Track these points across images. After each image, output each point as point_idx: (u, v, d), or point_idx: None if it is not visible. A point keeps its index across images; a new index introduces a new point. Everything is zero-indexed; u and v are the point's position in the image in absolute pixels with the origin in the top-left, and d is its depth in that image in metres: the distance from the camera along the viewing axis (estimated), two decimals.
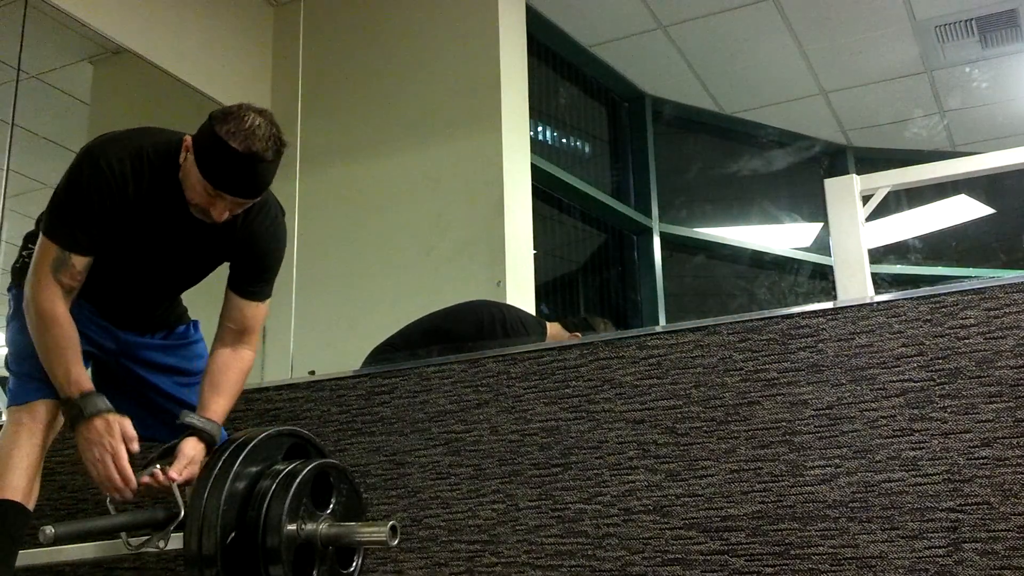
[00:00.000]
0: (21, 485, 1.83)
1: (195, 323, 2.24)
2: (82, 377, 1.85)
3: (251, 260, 2.02)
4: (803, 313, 2.06)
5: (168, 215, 1.90)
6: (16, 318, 1.99)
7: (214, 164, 1.78)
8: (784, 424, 2.00)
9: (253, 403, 2.56)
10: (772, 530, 1.96)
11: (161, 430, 2.11)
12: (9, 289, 2.04)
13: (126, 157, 1.86)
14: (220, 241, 1.96)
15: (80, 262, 1.87)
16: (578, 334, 2.89)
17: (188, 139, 1.84)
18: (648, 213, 5.30)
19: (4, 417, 1.96)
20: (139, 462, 1.87)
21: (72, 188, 1.85)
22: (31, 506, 1.86)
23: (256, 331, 2.07)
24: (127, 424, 1.85)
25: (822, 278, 5.61)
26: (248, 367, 2.06)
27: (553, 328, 2.99)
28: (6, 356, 2.01)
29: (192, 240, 1.96)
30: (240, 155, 1.76)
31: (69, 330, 1.86)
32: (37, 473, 1.88)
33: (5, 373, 2.06)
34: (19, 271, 2.03)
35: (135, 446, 1.84)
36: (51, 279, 1.85)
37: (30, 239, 2.05)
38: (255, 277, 2.04)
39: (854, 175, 3.33)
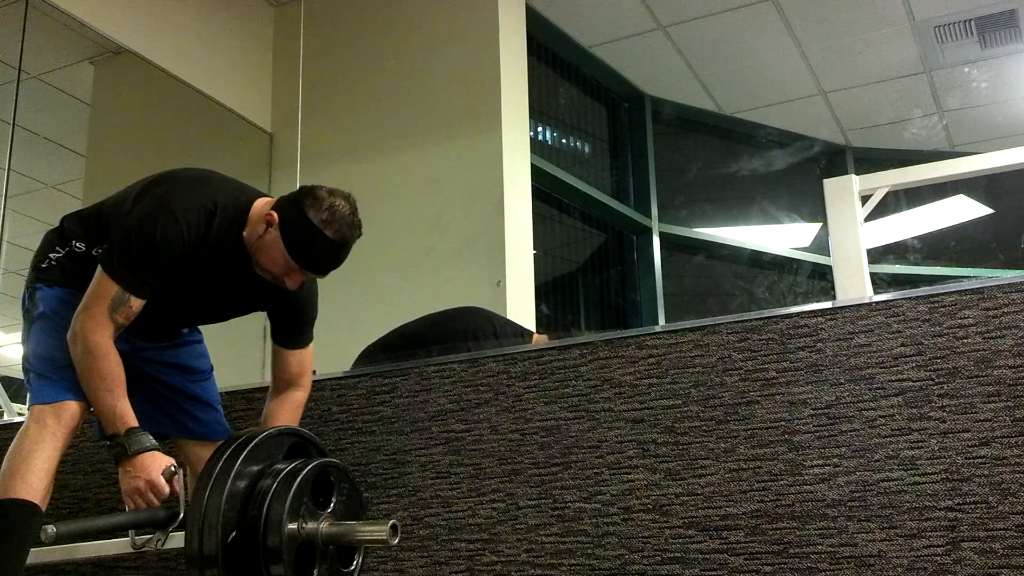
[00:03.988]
0: (40, 487, 1.84)
1: (194, 330, 2.28)
2: (127, 412, 1.87)
3: (296, 312, 2.12)
4: (802, 313, 2.07)
5: (225, 266, 1.98)
6: (43, 319, 1.99)
7: (306, 248, 1.89)
8: (783, 423, 2.01)
9: (254, 402, 2.56)
10: (771, 529, 1.96)
11: (169, 425, 2.15)
12: (36, 287, 2.03)
13: (202, 210, 1.92)
14: (266, 291, 2.04)
15: (138, 304, 1.91)
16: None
17: (274, 215, 1.91)
18: (648, 213, 5.30)
19: (27, 414, 1.95)
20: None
21: (146, 237, 1.88)
22: (44, 507, 1.87)
23: (307, 373, 2.19)
24: (171, 461, 1.88)
25: (821, 278, 5.62)
26: (302, 402, 2.18)
27: (539, 339, 2.98)
28: (27, 355, 2.00)
29: (241, 288, 2.04)
30: (334, 243, 1.90)
31: (117, 365, 1.88)
32: (53, 475, 1.89)
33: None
34: (46, 271, 2.04)
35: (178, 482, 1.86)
36: (106, 317, 1.87)
37: (60, 241, 2.06)
38: (302, 327, 2.15)
39: (853, 175, 3.33)
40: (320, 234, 1.88)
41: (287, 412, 2.13)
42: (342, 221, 1.90)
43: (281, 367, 2.14)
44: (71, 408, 1.91)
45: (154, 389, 2.14)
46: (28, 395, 1.98)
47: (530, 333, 3.03)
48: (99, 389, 1.86)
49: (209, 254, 1.94)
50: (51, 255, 2.05)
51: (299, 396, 2.16)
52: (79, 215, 2.10)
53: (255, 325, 2.85)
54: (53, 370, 1.93)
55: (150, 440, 1.86)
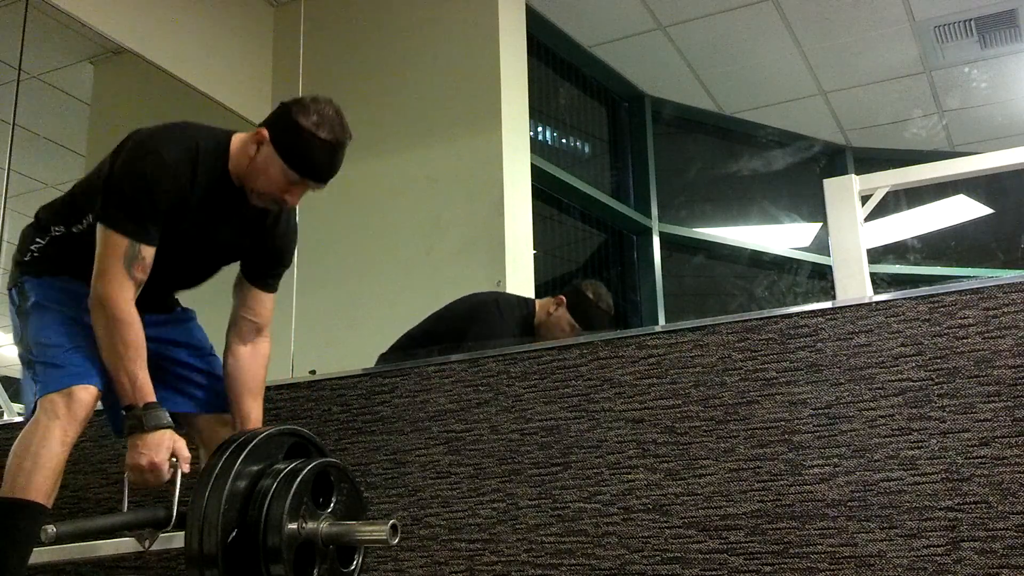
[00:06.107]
0: (46, 487, 1.81)
1: (187, 308, 2.28)
2: (147, 385, 1.85)
3: (275, 251, 2.12)
4: (802, 313, 2.07)
5: (213, 207, 1.97)
6: (39, 308, 1.97)
7: (302, 154, 1.90)
8: (783, 423, 2.01)
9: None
10: (771, 529, 1.96)
11: (182, 402, 2.13)
12: (23, 281, 2.01)
13: (184, 150, 1.92)
14: (253, 232, 2.06)
15: (149, 253, 1.89)
16: (562, 297, 2.92)
17: (263, 132, 1.92)
18: (648, 213, 5.30)
19: (36, 406, 1.89)
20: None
21: (137, 180, 1.88)
22: (51, 504, 1.85)
23: (270, 323, 2.17)
24: (181, 444, 1.86)
25: (821, 278, 5.62)
26: (268, 358, 2.17)
27: (542, 305, 3.00)
28: (28, 348, 1.96)
29: (230, 231, 2.04)
30: (329, 144, 1.90)
31: (139, 335, 1.87)
32: (61, 471, 1.86)
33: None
34: (30, 263, 2.02)
35: (187, 467, 1.85)
36: (125, 275, 1.86)
37: (38, 232, 2.05)
38: (275, 268, 2.15)
39: (853, 175, 3.32)
40: (314, 136, 1.88)
41: (263, 372, 2.14)
42: (332, 122, 1.91)
43: (254, 308, 2.12)
44: (83, 395, 1.86)
45: (163, 367, 2.10)
46: (34, 388, 1.91)
47: (532, 301, 3.05)
48: (122, 357, 1.84)
49: (200, 195, 1.94)
50: (31, 247, 2.04)
51: (268, 349, 2.16)
52: (51, 205, 2.09)
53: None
54: (59, 355, 1.90)
55: (167, 418, 1.85)
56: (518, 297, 3.17)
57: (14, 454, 1.84)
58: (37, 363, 1.92)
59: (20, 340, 2.01)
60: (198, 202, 1.94)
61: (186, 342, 2.18)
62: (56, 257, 2.00)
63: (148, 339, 2.06)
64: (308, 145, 1.89)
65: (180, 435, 1.89)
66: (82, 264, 1.92)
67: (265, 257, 2.12)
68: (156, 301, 2.12)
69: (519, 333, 2.89)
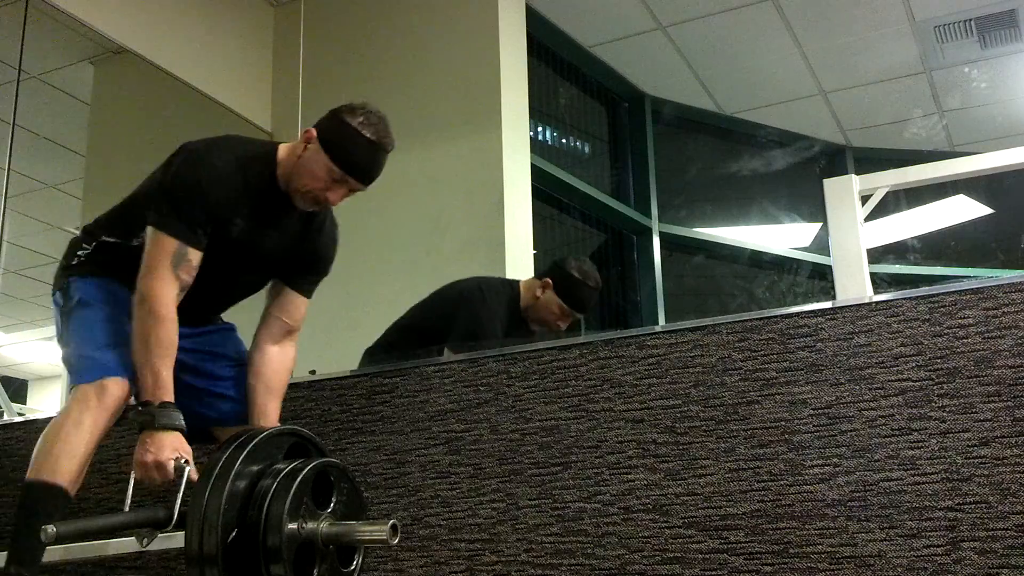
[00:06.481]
0: (72, 473, 1.84)
1: (228, 322, 2.30)
2: (167, 384, 1.88)
3: (316, 258, 2.18)
4: (802, 313, 2.07)
5: (262, 216, 2.03)
6: (82, 305, 1.99)
7: (347, 151, 1.98)
8: (783, 423, 2.01)
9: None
10: (771, 529, 1.96)
11: (207, 416, 2.14)
12: (69, 281, 2.04)
13: (234, 160, 1.98)
14: (298, 240, 2.11)
15: (196, 257, 1.94)
16: (548, 280, 2.88)
17: (311, 130, 2.00)
18: (648, 213, 5.30)
19: (69, 395, 1.92)
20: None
21: (189, 186, 1.94)
22: (75, 490, 1.87)
23: (300, 328, 2.23)
24: (189, 448, 1.88)
25: (821, 278, 5.62)
26: (294, 362, 2.22)
27: (525, 284, 2.97)
28: (68, 343, 1.99)
29: (277, 240, 2.08)
30: (373, 143, 2.00)
31: (173, 335, 1.90)
32: (89, 458, 1.88)
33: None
34: (77, 266, 2.06)
35: (193, 474, 1.85)
36: (171, 275, 1.90)
37: (86, 239, 2.09)
38: (314, 275, 2.20)
39: (853, 175, 3.32)
40: (359, 134, 1.97)
41: (287, 376, 2.19)
42: (378, 124, 2.00)
43: (288, 310, 2.17)
44: (114, 388, 1.89)
45: (189, 383, 2.10)
46: (69, 379, 1.95)
47: (516, 282, 3.02)
48: (151, 352, 1.87)
49: (247, 204, 1.99)
50: (79, 252, 2.08)
51: (294, 354, 2.21)
52: (99, 219, 2.14)
53: None
54: (97, 349, 1.93)
55: (180, 420, 1.87)
56: (500, 280, 3.14)
57: (44, 439, 1.87)
58: (75, 356, 1.96)
59: (61, 338, 2.04)
60: (248, 211, 2.00)
61: (220, 352, 2.20)
62: (103, 261, 2.05)
63: (190, 350, 2.09)
64: (352, 142, 1.98)
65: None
66: (129, 272, 1.95)
67: (306, 263, 2.17)
68: (199, 317, 2.15)
69: (505, 316, 2.87)
